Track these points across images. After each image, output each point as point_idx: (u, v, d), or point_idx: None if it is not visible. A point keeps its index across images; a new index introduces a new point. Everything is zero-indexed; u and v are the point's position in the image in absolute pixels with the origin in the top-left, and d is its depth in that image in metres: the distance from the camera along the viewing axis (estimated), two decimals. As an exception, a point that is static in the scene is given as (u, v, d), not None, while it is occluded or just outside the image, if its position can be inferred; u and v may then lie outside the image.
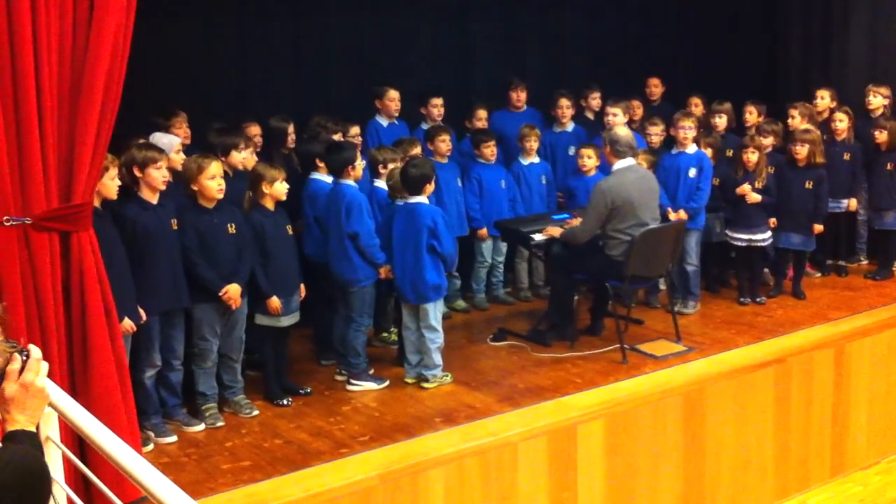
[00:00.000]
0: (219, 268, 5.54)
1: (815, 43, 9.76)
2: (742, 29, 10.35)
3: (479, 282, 8.00)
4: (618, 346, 6.55)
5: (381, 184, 6.66)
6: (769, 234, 7.75)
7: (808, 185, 7.77)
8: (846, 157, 8.31)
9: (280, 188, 5.85)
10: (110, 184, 5.02)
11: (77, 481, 3.91)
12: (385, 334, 7.05)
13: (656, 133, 8.12)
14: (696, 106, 8.82)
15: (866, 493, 6.64)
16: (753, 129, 8.36)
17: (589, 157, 7.67)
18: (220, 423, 5.54)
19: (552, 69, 9.98)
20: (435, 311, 6.12)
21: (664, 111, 8.74)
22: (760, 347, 6.69)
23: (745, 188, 7.59)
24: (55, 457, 3.23)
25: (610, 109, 8.08)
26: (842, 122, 8.30)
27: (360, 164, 6.27)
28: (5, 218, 4.11)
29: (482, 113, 8.36)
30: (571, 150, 8.36)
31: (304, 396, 6.00)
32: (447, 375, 6.17)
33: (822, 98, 8.64)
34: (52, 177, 4.21)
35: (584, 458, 5.49)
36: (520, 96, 8.65)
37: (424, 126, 8.14)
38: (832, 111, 8.49)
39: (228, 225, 5.60)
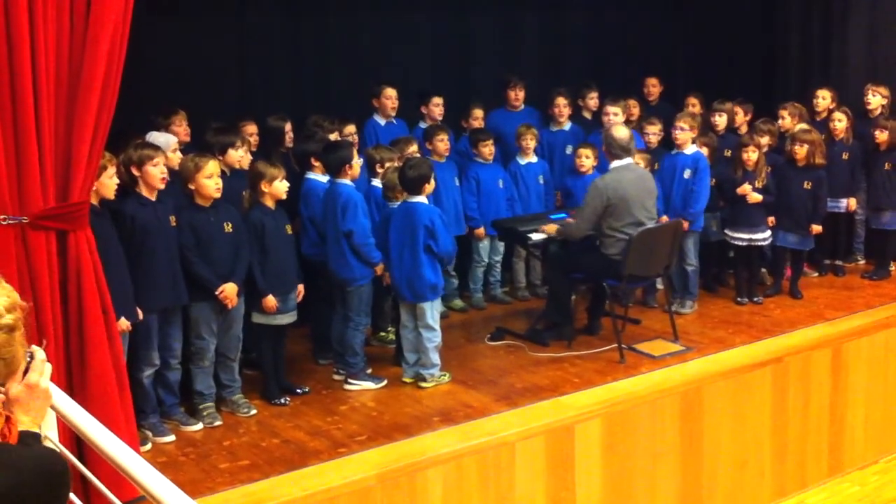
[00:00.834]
0: (215, 266, 5.53)
1: (815, 43, 9.76)
2: (741, 29, 10.35)
3: (477, 281, 8.00)
4: (615, 345, 6.55)
5: (378, 183, 6.66)
6: (769, 233, 7.75)
7: (807, 185, 7.78)
8: (844, 156, 8.32)
9: (280, 187, 5.85)
10: (109, 182, 5.01)
11: (75, 480, 3.90)
12: (383, 334, 7.05)
13: (654, 133, 8.12)
14: (694, 105, 8.82)
15: (864, 493, 6.65)
16: (747, 129, 8.37)
17: (587, 157, 7.67)
18: (217, 423, 5.53)
19: (550, 68, 9.97)
20: (432, 311, 6.11)
21: (662, 111, 8.74)
22: (758, 347, 6.69)
23: (746, 188, 7.59)
24: (52, 456, 3.22)
25: (609, 109, 8.09)
26: (840, 122, 8.30)
27: (357, 163, 6.27)
28: (2, 217, 4.11)
29: (478, 112, 8.36)
30: (569, 150, 8.36)
31: (302, 396, 5.99)
32: (445, 375, 6.17)
33: (823, 98, 8.63)
34: (48, 175, 4.20)
35: (582, 458, 5.49)
36: (518, 95, 8.64)
37: (423, 125, 8.14)
38: (831, 111, 8.50)
39: (225, 224, 5.60)
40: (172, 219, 5.42)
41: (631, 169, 6.69)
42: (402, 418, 5.60)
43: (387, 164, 6.63)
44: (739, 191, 7.61)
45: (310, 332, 6.85)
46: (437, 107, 8.18)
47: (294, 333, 6.46)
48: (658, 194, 6.98)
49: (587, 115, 8.93)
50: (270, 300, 5.78)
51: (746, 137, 7.87)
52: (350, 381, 6.11)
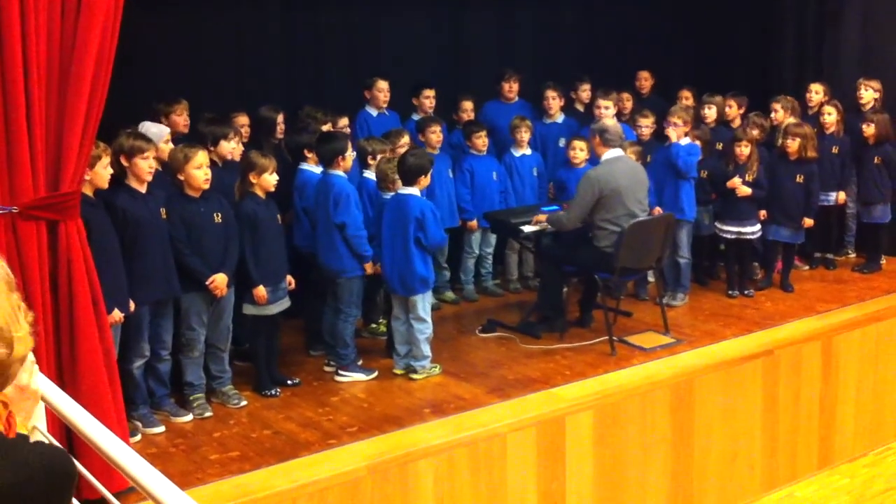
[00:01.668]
0: (206, 257, 5.52)
1: (808, 37, 9.77)
2: (735, 23, 10.35)
3: (468, 273, 8.00)
4: (607, 338, 6.56)
5: (370, 175, 6.65)
6: (759, 226, 7.77)
7: (799, 178, 7.79)
8: (834, 150, 8.33)
9: (269, 179, 5.83)
10: (103, 172, 5.00)
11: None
12: (374, 325, 7.04)
13: (646, 126, 8.12)
14: (687, 99, 8.83)
15: (853, 485, 6.68)
16: (739, 122, 8.38)
17: (581, 150, 7.67)
18: (208, 414, 5.53)
19: (543, 61, 9.98)
20: (423, 303, 6.11)
21: (654, 104, 8.74)
22: (749, 340, 6.71)
23: (736, 181, 7.60)
24: (42, 447, 3.21)
25: (601, 102, 8.08)
26: (830, 116, 8.32)
27: (351, 154, 6.26)
28: (-8, 207, 4.09)
29: (468, 105, 8.36)
30: (562, 142, 8.36)
31: (293, 387, 5.99)
32: (436, 367, 6.17)
33: (816, 92, 8.65)
34: (39, 165, 4.18)
35: (573, 450, 5.50)
36: (512, 87, 8.64)
37: (415, 117, 8.13)
38: (822, 105, 8.50)
39: (215, 214, 5.59)
40: (163, 211, 5.41)
41: (623, 160, 6.70)
42: (393, 410, 5.60)
43: (378, 156, 6.62)
44: (729, 184, 7.62)
45: (301, 323, 6.84)
46: (427, 99, 8.17)
47: (285, 325, 6.45)
48: (650, 187, 6.98)
49: (580, 108, 8.93)
50: (261, 290, 5.76)
51: (739, 131, 7.87)
52: (341, 372, 6.11)
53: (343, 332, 6.12)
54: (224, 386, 5.75)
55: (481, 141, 7.83)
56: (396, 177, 6.19)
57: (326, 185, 6.10)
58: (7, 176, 4.12)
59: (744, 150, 7.64)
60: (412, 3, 9.12)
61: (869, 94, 8.48)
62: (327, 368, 6.25)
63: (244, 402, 5.70)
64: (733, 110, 8.53)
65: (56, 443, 3.01)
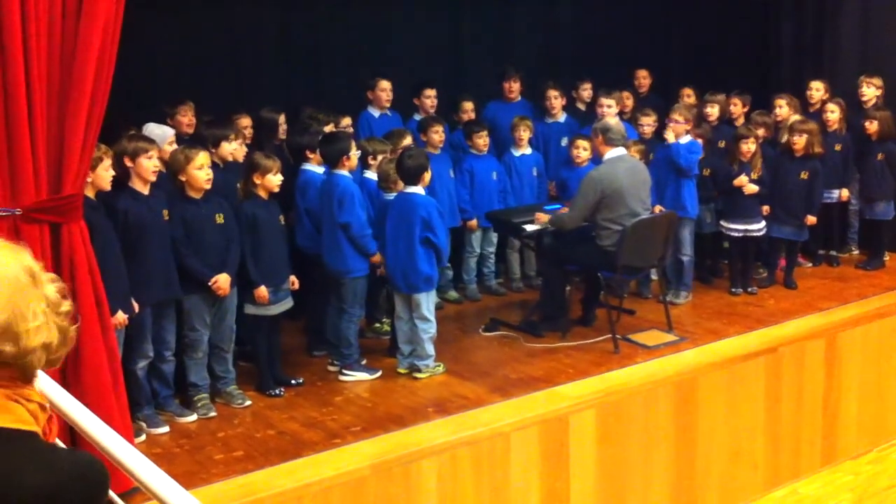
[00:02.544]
0: (207, 258, 5.53)
1: (808, 34, 9.76)
2: (734, 20, 10.34)
3: (470, 272, 8.00)
4: (610, 336, 6.56)
5: (371, 175, 6.66)
6: (764, 223, 7.76)
7: (804, 175, 7.79)
8: (837, 147, 8.33)
9: (273, 180, 5.84)
10: (104, 175, 5.01)
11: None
12: (377, 325, 7.05)
13: (648, 124, 8.12)
14: (689, 97, 8.83)
15: (857, 483, 6.67)
16: (743, 120, 8.37)
17: (584, 149, 7.68)
18: (212, 414, 5.54)
19: (544, 60, 9.99)
20: (427, 302, 6.11)
21: (653, 103, 8.74)
22: (752, 337, 6.71)
23: (743, 180, 7.60)
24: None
25: (603, 101, 8.09)
26: (833, 113, 8.31)
27: (355, 154, 6.27)
28: (-5, 209, 4.10)
29: (468, 105, 8.37)
30: (564, 142, 8.37)
31: (297, 387, 5.99)
32: (439, 366, 6.17)
33: (817, 90, 8.64)
34: (41, 168, 4.19)
35: (576, 448, 5.50)
36: (512, 87, 8.64)
37: (417, 117, 8.13)
38: (824, 103, 8.50)
39: (216, 215, 5.60)
40: (165, 213, 5.42)
41: (625, 160, 6.70)
42: (396, 409, 5.60)
43: (379, 157, 6.63)
44: (736, 182, 7.61)
45: (304, 323, 6.85)
46: (428, 98, 8.18)
47: (289, 325, 6.47)
48: (651, 185, 6.98)
49: (581, 107, 8.94)
50: (262, 291, 5.77)
51: (745, 129, 7.86)
52: (345, 372, 6.12)
53: (347, 331, 6.12)
54: (228, 386, 5.76)
55: (482, 141, 7.83)
56: (399, 177, 6.21)
57: (331, 185, 6.11)
58: (9, 178, 4.12)
59: (750, 147, 7.64)
60: (413, 3, 9.13)
61: (871, 90, 8.47)
62: (331, 368, 6.26)
63: (248, 403, 5.71)
64: (738, 108, 8.53)
65: (60, 443, 3.02)
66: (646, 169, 6.95)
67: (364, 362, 6.24)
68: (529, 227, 7.04)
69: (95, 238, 4.57)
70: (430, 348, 6.12)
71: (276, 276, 5.89)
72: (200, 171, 5.48)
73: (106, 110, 4.36)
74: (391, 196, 6.29)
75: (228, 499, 4.46)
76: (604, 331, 6.70)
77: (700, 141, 7.69)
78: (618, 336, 6.56)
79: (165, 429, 5.33)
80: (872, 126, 8.28)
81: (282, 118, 7.26)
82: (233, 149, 6.29)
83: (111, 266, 4.78)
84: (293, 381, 6.03)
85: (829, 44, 9.52)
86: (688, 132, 7.60)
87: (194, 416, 5.50)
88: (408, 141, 7.14)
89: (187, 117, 6.83)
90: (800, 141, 7.76)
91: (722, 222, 7.85)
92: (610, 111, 7.90)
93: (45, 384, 2.51)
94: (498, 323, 7.07)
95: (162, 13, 7.35)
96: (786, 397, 6.57)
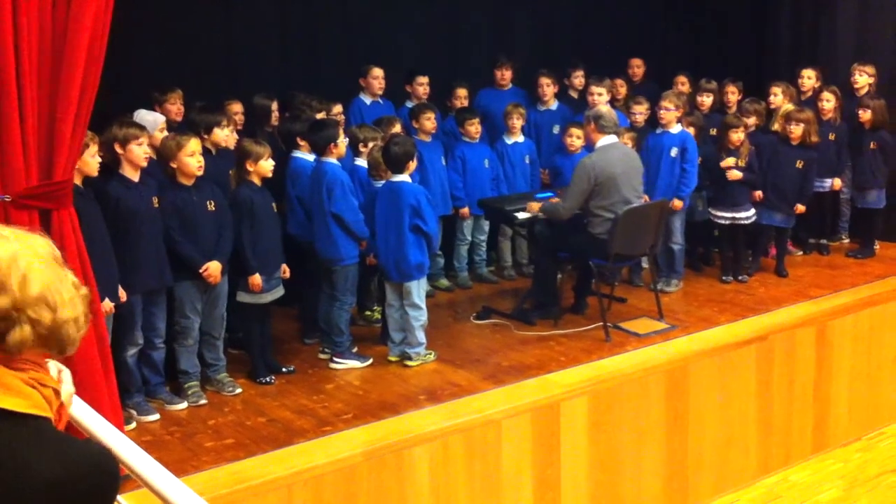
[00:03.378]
0: (199, 245, 5.51)
1: (803, 22, 9.76)
2: (729, 8, 10.34)
3: (462, 260, 8.00)
4: (601, 324, 6.57)
5: (362, 162, 6.64)
6: (752, 212, 7.77)
7: (799, 164, 7.80)
8: (831, 136, 8.34)
9: (265, 166, 5.82)
10: (91, 161, 4.98)
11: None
12: (368, 313, 7.05)
13: (641, 112, 8.12)
14: (683, 84, 8.83)
15: (847, 470, 6.70)
16: (735, 108, 8.37)
17: (578, 137, 7.68)
18: (202, 402, 5.53)
19: (537, 48, 9.95)
20: (418, 290, 6.11)
21: (647, 91, 8.73)
22: (743, 325, 6.72)
23: (729, 162, 7.60)
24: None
25: (594, 89, 8.09)
26: (828, 102, 8.31)
27: (343, 141, 6.25)
28: (-16, 195, 4.08)
29: (462, 92, 8.34)
30: (556, 129, 8.36)
31: (288, 375, 5.99)
32: (431, 353, 6.17)
33: (808, 78, 8.65)
34: (31, 154, 4.17)
35: (568, 435, 5.51)
36: (504, 75, 8.62)
37: (409, 104, 8.11)
38: (818, 91, 8.49)
39: (208, 202, 5.57)
40: (155, 200, 5.40)
41: (617, 147, 6.69)
42: (388, 397, 5.60)
43: (370, 144, 6.61)
44: (723, 164, 7.62)
45: (296, 311, 6.84)
46: (421, 86, 8.16)
47: (280, 313, 6.46)
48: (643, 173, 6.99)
49: (573, 95, 8.92)
50: (257, 279, 5.76)
51: (734, 118, 7.86)
52: (336, 359, 6.11)
53: (338, 319, 6.12)
54: (219, 374, 5.75)
55: (474, 128, 7.82)
56: (385, 165, 6.19)
57: (320, 173, 6.09)
58: (-1, 164, 4.11)
59: (739, 136, 7.64)
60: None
61: (864, 79, 8.48)
62: (322, 356, 6.26)
63: (239, 390, 5.70)
64: (734, 96, 8.52)
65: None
66: (638, 157, 6.95)
67: (355, 350, 6.23)
68: (521, 215, 7.03)
69: (83, 225, 4.54)
70: (421, 336, 6.11)
71: (270, 264, 5.87)
72: (192, 157, 5.46)
73: (96, 97, 4.34)
74: (381, 184, 6.27)
75: (219, 486, 4.45)
76: (595, 319, 6.71)
77: (693, 130, 7.69)
78: (609, 324, 6.57)
79: (156, 416, 5.32)
80: (866, 115, 8.29)
81: (274, 105, 7.23)
82: (225, 135, 6.26)
83: (98, 253, 4.75)
84: (284, 369, 6.02)
85: (825, 32, 9.51)
86: (679, 120, 7.60)
87: (185, 404, 5.49)
88: (397, 128, 7.13)
89: (176, 105, 6.79)
90: (796, 130, 7.77)
91: (710, 209, 7.86)
92: (601, 99, 7.90)
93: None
94: (490, 311, 7.07)
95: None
96: (776, 385, 6.59)
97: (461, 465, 5.10)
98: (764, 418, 6.54)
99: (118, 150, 5.23)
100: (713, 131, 8.13)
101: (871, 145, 8.34)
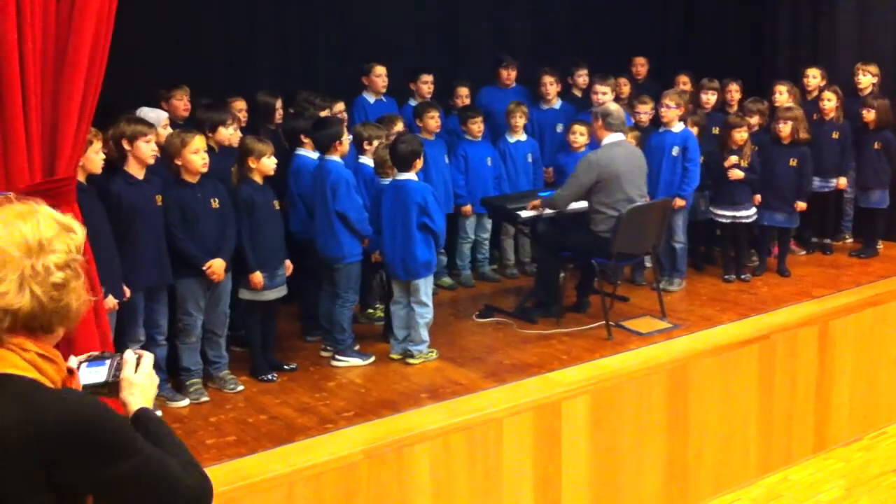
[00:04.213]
0: (202, 242, 5.52)
1: (803, 21, 9.75)
2: (730, 6, 10.33)
3: (464, 258, 8.01)
4: (603, 322, 6.57)
5: (365, 160, 6.65)
6: (753, 211, 7.77)
7: (793, 162, 7.80)
8: (834, 136, 8.33)
9: (268, 163, 5.83)
10: (95, 158, 5.00)
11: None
12: (371, 311, 7.05)
13: (645, 111, 8.11)
14: (685, 84, 8.83)
15: (848, 469, 6.70)
16: (736, 107, 8.37)
17: (581, 134, 7.69)
18: (204, 399, 5.54)
19: (539, 46, 9.95)
20: (426, 287, 6.12)
21: (650, 89, 8.73)
22: (745, 325, 6.72)
23: (733, 159, 7.60)
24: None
25: (599, 87, 8.09)
26: (830, 101, 8.31)
27: (347, 139, 6.26)
28: (-12, 192, 4.09)
29: (463, 91, 8.34)
30: (559, 128, 8.36)
31: (290, 372, 5.99)
32: (433, 352, 6.18)
33: (813, 77, 8.64)
34: (35, 150, 4.17)
35: (569, 434, 5.51)
36: (510, 74, 8.63)
37: (412, 102, 8.11)
38: (821, 90, 8.49)
39: (212, 200, 5.58)
40: (159, 198, 5.41)
41: (623, 145, 6.70)
42: (389, 395, 5.61)
43: (374, 142, 6.61)
44: (726, 163, 7.63)
45: (298, 309, 6.85)
46: (425, 84, 8.17)
47: (282, 311, 6.45)
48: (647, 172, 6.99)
49: (577, 94, 8.92)
50: (258, 276, 5.77)
51: (737, 117, 7.87)
52: (338, 357, 6.12)
53: (340, 317, 6.12)
54: (221, 371, 5.76)
55: (477, 126, 7.83)
56: (392, 163, 6.19)
57: (323, 171, 6.10)
58: (3, 161, 4.11)
59: (742, 135, 7.64)
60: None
61: (867, 79, 8.47)
62: (324, 353, 6.27)
63: (241, 387, 5.71)
64: (736, 95, 8.52)
65: None
66: (643, 156, 6.95)
67: (357, 348, 6.24)
68: (524, 214, 7.04)
69: (86, 222, 4.54)
70: (424, 334, 6.12)
71: (272, 262, 5.88)
72: (196, 155, 5.47)
73: (100, 93, 4.35)
74: (388, 181, 6.28)
75: (220, 483, 4.45)
76: (597, 317, 6.71)
77: (694, 129, 7.69)
78: (611, 323, 6.57)
79: (157, 413, 5.30)
80: (870, 115, 8.28)
81: (278, 102, 7.24)
82: (230, 133, 6.27)
83: (101, 250, 4.76)
84: (286, 367, 6.03)
85: (826, 31, 9.50)
86: (681, 119, 7.60)
87: (186, 401, 5.50)
88: (399, 126, 7.14)
89: (183, 101, 6.82)
90: (785, 128, 7.77)
91: (711, 208, 7.87)
92: (605, 98, 7.89)
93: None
94: (492, 309, 7.08)
95: (156, -1, 7.33)
96: (778, 384, 6.58)
97: (462, 463, 5.10)
98: (765, 417, 6.54)
99: (126, 146, 5.25)
100: (715, 130, 8.13)
101: (875, 145, 8.34)
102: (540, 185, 8.05)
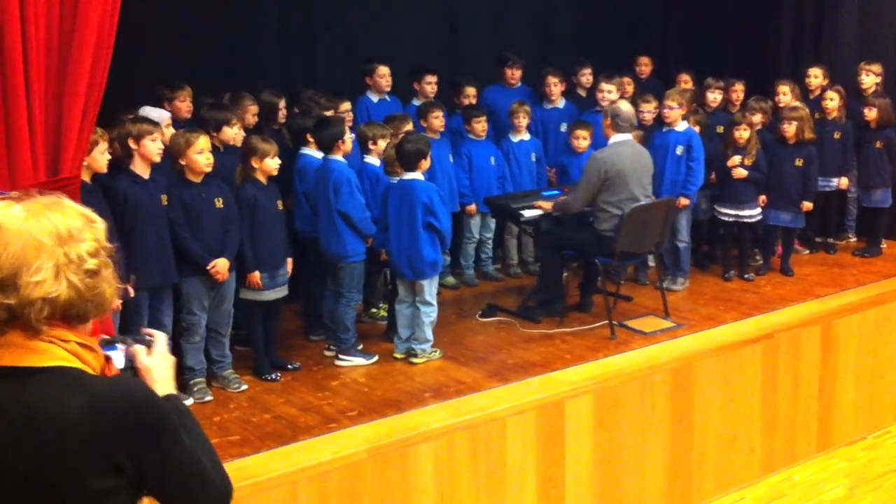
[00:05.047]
0: (206, 242, 5.53)
1: (807, 20, 9.75)
2: (733, 5, 10.33)
3: (468, 258, 8.01)
4: (607, 322, 6.57)
5: (370, 160, 6.65)
6: (758, 210, 7.77)
7: (798, 162, 7.80)
8: (837, 135, 8.33)
9: (271, 163, 5.84)
10: (100, 157, 5.01)
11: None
12: (374, 310, 7.06)
13: (649, 110, 8.11)
14: (687, 83, 8.83)
15: (852, 469, 6.70)
16: (740, 106, 8.37)
17: (584, 138, 7.71)
18: (208, 398, 5.54)
19: (542, 46, 9.95)
20: (431, 286, 6.12)
21: (653, 88, 8.73)
22: (748, 324, 6.71)
23: (735, 160, 7.61)
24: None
25: (604, 86, 8.10)
26: (832, 101, 8.30)
27: (349, 138, 6.26)
28: (-8, 191, 4.09)
29: (470, 90, 8.33)
30: (563, 127, 8.36)
31: (293, 371, 6.00)
32: (436, 351, 6.18)
33: (815, 76, 8.64)
34: (39, 150, 4.18)
35: (573, 433, 5.52)
36: (514, 74, 8.62)
37: (416, 102, 8.12)
38: (823, 89, 8.49)
39: (216, 199, 5.59)
40: (164, 198, 5.42)
41: (630, 145, 6.70)
42: (393, 394, 5.61)
43: (380, 141, 6.61)
44: (729, 162, 7.63)
45: (301, 308, 6.86)
46: (429, 84, 8.17)
47: (285, 310, 6.46)
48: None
49: (581, 93, 8.92)
50: (256, 276, 5.77)
51: (739, 116, 7.87)
52: (341, 356, 6.12)
53: (344, 316, 6.13)
54: (224, 370, 5.76)
55: (481, 126, 7.83)
56: (398, 162, 6.20)
57: (326, 170, 6.10)
58: (7, 160, 4.11)
59: (743, 134, 7.64)
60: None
61: (870, 78, 8.47)
62: (327, 353, 6.27)
63: (244, 387, 5.71)
64: (739, 94, 8.52)
65: None
66: (649, 155, 6.95)
67: (361, 347, 6.24)
68: (528, 213, 7.04)
69: (91, 221, 4.56)
70: (428, 333, 6.12)
71: (273, 262, 5.89)
72: (201, 154, 5.47)
73: (104, 93, 4.35)
74: (396, 180, 6.28)
75: (225, 482, 4.46)
76: (601, 317, 6.71)
77: (697, 128, 7.69)
78: (615, 322, 6.57)
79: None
80: (871, 113, 8.28)
81: (282, 102, 7.24)
82: (234, 133, 6.28)
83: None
84: (290, 366, 6.03)
85: (828, 30, 9.50)
86: (684, 118, 7.60)
87: (190, 400, 5.50)
88: (409, 126, 7.14)
89: (186, 103, 6.82)
90: (790, 128, 7.77)
91: (715, 206, 7.87)
92: (610, 96, 7.91)
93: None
94: (495, 308, 7.08)
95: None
96: (782, 383, 6.58)
97: (465, 462, 5.11)
98: (769, 417, 6.54)
99: (132, 145, 5.26)
100: (719, 129, 8.13)
101: (877, 144, 8.34)
102: (543, 184, 8.05)
